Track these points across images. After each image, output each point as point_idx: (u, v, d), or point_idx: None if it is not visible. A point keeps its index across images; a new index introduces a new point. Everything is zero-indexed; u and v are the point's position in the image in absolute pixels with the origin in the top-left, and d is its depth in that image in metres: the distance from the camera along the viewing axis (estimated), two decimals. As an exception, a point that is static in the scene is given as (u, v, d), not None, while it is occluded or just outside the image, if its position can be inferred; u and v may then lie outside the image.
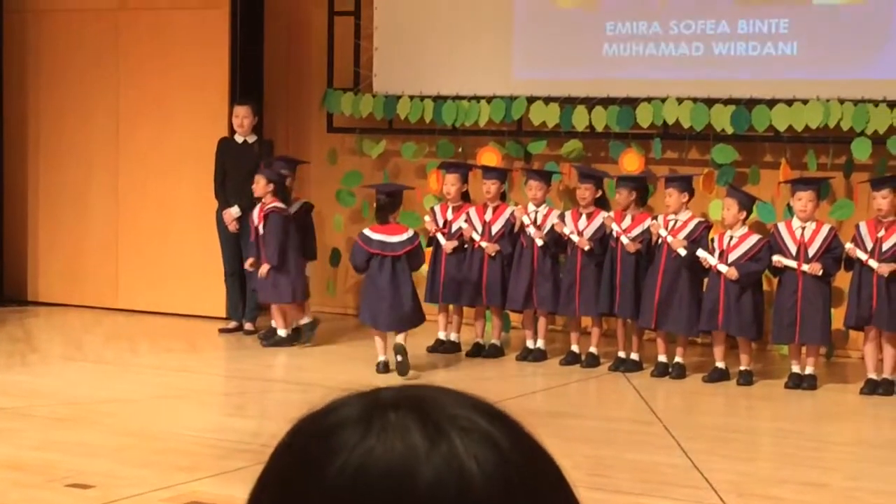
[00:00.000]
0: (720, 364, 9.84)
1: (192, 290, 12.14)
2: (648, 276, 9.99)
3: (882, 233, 9.46)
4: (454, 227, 10.71)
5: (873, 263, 9.41)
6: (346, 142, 12.52)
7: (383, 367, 9.80)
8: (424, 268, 10.79)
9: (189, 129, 12.09)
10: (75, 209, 12.75)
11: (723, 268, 9.65)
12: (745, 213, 9.83)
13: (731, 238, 9.77)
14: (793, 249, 9.64)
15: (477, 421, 1.06)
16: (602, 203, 10.42)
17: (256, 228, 10.84)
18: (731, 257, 9.69)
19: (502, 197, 10.78)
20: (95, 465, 7.09)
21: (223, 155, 11.50)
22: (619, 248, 10.12)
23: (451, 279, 10.67)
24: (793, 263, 9.60)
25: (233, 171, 11.30)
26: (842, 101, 10.50)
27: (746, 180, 10.87)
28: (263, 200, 10.81)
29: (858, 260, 9.50)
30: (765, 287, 10.11)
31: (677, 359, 9.96)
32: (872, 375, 9.49)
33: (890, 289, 9.38)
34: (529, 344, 10.58)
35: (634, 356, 10.18)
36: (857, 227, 9.67)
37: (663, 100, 11.08)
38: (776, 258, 9.65)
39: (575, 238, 10.24)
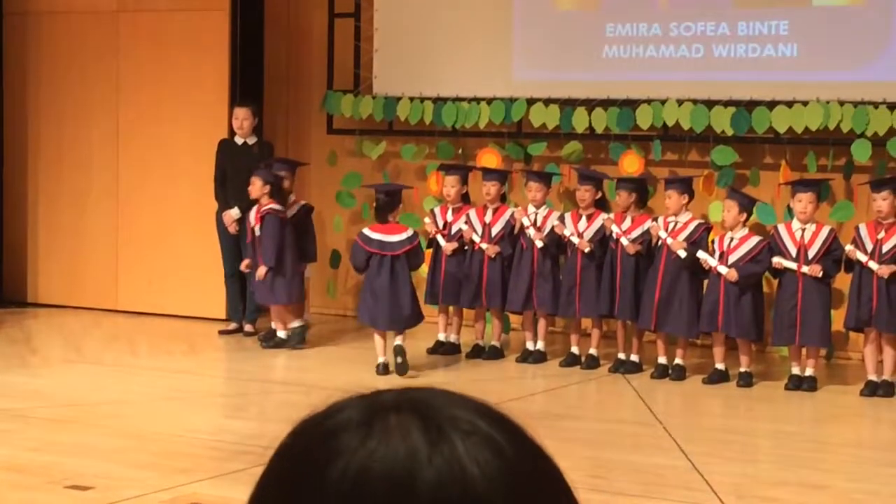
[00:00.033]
0: (720, 366, 9.83)
1: (192, 292, 12.14)
2: (648, 277, 9.99)
3: (882, 234, 9.46)
4: (454, 229, 10.71)
5: (873, 265, 9.41)
6: (346, 143, 12.52)
7: (383, 369, 9.80)
8: (424, 269, 10.80)
9: (189, 131, 12.09)
10: (75, 210, 12.75)
11: (723, 269, 9.65)
12: (745, 215, 9.83)
13: (732, 240, 9.77)
14: (793, 251, 9.64)
15: (478, 423, 1.06)
16: (602, 205, 10.42)
17: (252, 230, 10.83)
18: (732, 259, 9.69)
19: (502, 198, 10.78)
20: (95, 466, 7.09)
21: (223, 156, 11.50)
22: (618, 250, 10.12)
23: (451, 281, 10.67)
24: (793, 265, 9.60)
25: (233, 172, 11.30)
26: (842, 103, 10.50)
27: (746, 182, 10.87)
28: (260, 202, 10.80)
29: (858, 262, 9.50)
30: (765, 289, 10.10)
31: (677, 360, 9.96)
32: (872, 377, 9.48)
33: (890, 290, 9.38)
34: (529, 345, 10.58)
35: (634, 358, 10.18)
36: (857, 228, 9.67)
37: (663, 101, 11.08)
38: (776, 260, 9.65)
39: (575, 240, 10.24)
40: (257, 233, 10.79)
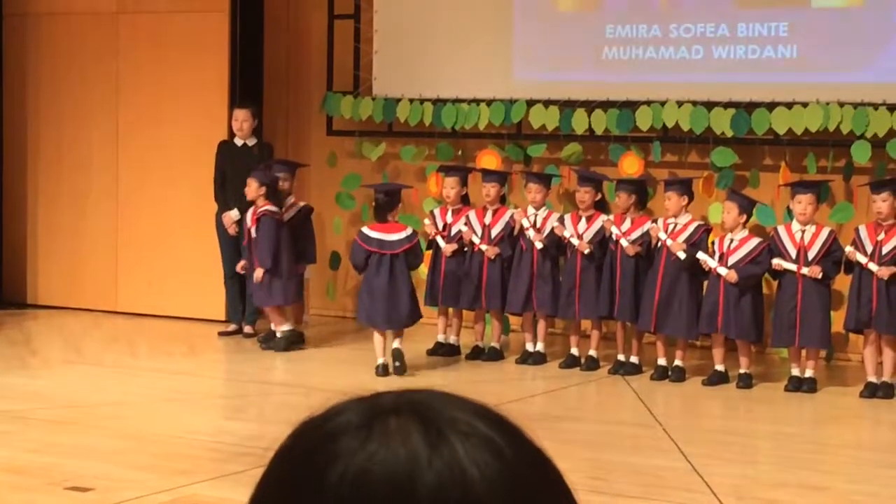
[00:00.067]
0: (720, 367, 9.83)
1: (192, 293, 12.14)
2: (648, 279, 9.99)
3: (882, 236, 9.46)
4: (454, 230, 10.71)
5: (873, 266, 9.41)
6: (345, 145, 12.52)
7: (382, 370, 9.79)
8: (424, 270, 10.80)
9: (189, 132, 12.09)
10: (75, 212, 12.75)
11: (722, 271, 9.65)
12: (745, 217, 9.83)
13: (732, 241, 9.77)
14: (792, 253, 9.64)
15: (477, 425, 1.06)
16: (601, 206, 10.42)
17: (249, 231, 10.83)
18: (731, 260, 9.69)
19: (502, 200, 10.78)
20: (94, 468, 7.09)
21: (223, 158, 11.50)
22: (618, 252, 10.12)
23: (450, 282, 10.67)
24: (792, 267, 9.60)
25: (232, 174, 11.29)
26: (841, 104, 10.50)
27: (746, 183, 10.87)
28: (256, 204, 10.80)
29: (858, 263, 9.50)
30: (764, 290, 10.10)
31: (677, 362, 9.96)
32: (872, 378, 9.48)
33: (890, 292, 9.38)
34: (529, 347, 10.58)
35: (634, 359, 10.18)
36: (857, 230, 9.67)
37: (663, 103, 11.08)
38: (776, 261, 9.65)
39: (574, 241, 10.23)
40: (253, 234, 10.79)
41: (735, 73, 10.96)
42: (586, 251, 10.18)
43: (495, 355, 10.61)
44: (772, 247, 9.72)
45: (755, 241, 9.78)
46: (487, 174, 10.89)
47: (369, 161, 12.31)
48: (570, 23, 11.58)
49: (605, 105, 11.30)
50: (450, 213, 10.79)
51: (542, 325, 10.56)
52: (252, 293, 11.00)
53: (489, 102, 11.72)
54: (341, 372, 9.97)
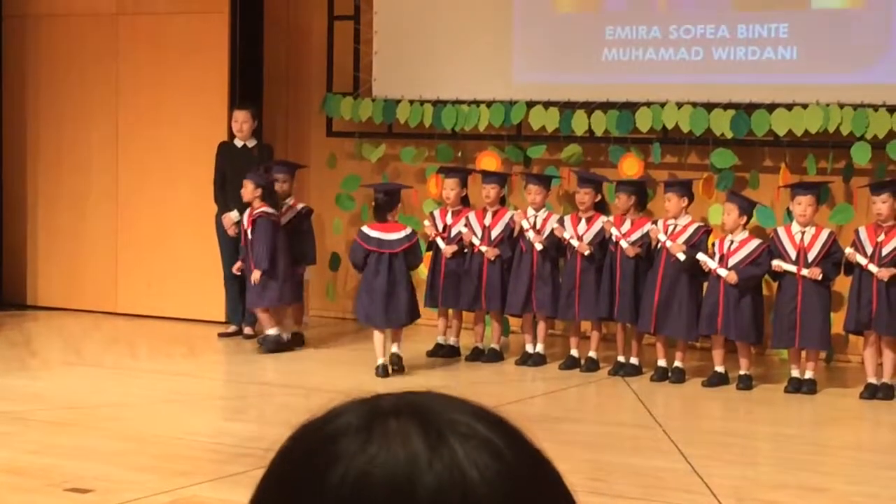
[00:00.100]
0: (720, 368, 9.83)
1: (192, 294, 12.14)
2: (648, 280, 9.99)
3: (882, 237, 9.46)
4: (454, 232, 10.71)
5: (873, 268, 9.41)
6: (345, 146, 12.52)
7: (382, 371, 9.79)
8: (424, 271, 10.80)
9: (188, 134, 12.09)
10: (75, 213, 12.75)
11: (722, 272, 9.65)
12: (745, 218, 9.83)
13: (732, 242, 9.77)
14: (792, 254, 9.64)
15: (477, 427, 1.06)
16: (601, 207, 10.42)
17: (246, 233, 10.83)
18: (732, 261, 9.69)
19: (502, 201, 10.78)
20: (94, 469, 7.09)
21: (223, 159, 11.50)
22: (618, 253, 10.12)
23: (450, 283, 10.67)
24: (792, 268, 9.60)
25: (232, 175, 11.29)
26: (841, 106, 10.50)
27: (746, 185, 10.87)
28: (252, 205, 10.80)
29: (858, 264, 9.50)
30: (764, 291, 10.10)
31: (677, 363, 9.96)
32: (872, 380, 9.48)
33: (890, 293, 9.38)
34: (529, 348, 10.58)
35: (634, 360, 10.18)
36: (857, 231, 9.68)
37: (663, 104, 11.08)
38: (776, 263, 9.65)
39: (574, 242, 10.24)
40: (249, 236, 10.79)
41: (735, 75, 10.96)
42: (586, 252, 10.18)
43: (495, 357, 10.61)
44: (772, 248, 9.72)
45: (755, 242, 9.78)
46: (487, 175, 10.89)
47: (369, 162, 12.31)
48: (569, 24, 11.58)
49: (605, 106, 11.30)
50: (450, 215, 10.79)
51: (541, 326, 10.56)
52: (247, 294, 10.99)
53: (489, 104, 11.72)
54: (341, 373, 9.97)
